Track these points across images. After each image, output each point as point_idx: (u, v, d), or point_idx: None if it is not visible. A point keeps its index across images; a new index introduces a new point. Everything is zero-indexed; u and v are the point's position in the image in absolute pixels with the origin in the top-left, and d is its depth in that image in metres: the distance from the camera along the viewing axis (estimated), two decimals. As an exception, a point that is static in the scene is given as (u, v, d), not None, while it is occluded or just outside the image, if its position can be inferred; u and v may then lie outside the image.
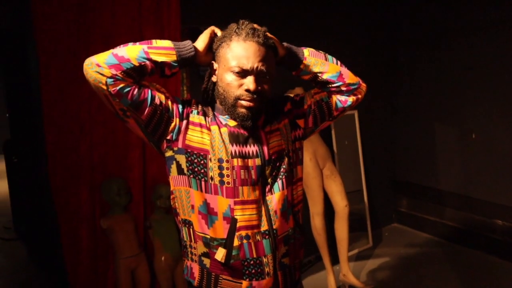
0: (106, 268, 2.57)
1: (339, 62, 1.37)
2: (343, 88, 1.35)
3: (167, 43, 1.20)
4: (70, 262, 2.46)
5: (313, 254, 3.42)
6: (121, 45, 1.17)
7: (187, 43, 1.23)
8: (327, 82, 1.35)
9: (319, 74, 1.33)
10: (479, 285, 3.06)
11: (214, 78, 1.28)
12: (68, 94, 2.36)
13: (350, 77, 1.35)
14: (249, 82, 1.19)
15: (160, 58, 1.17)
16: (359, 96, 1.39)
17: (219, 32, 1.27)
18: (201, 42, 1.26)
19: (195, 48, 1.23)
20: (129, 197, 2.55)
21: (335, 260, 3.17)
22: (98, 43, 2.38)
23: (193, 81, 2.79)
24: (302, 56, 1.32)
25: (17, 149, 4.08)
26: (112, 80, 1.12)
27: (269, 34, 1.26)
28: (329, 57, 1.36)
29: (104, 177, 2.50)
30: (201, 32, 1.29)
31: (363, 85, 1.40)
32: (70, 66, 2.33)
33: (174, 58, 1.19)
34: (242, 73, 1.19)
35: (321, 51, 1.36)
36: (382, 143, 4.20)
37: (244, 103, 1.20)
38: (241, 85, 1.20)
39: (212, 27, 1.29)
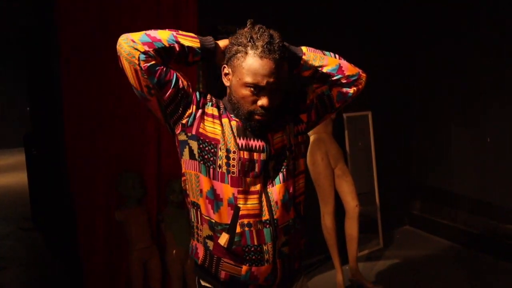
0: (120, 259, 2.64)
1: (337, 56, 1.41)
2: (343, 81, 1.40)
3: (191, 33, 1.29)
4: (85, 253, 2.54)
5: (323, 253, 3.44)
6: (152, 29, 1.26)
7: (209, 37, 1.31)
8: (327, 76, 1.39)
9: (319, 68, 1.37)
10: (490, 290, 3.05)
11: (226, 83, 1.32)
12: (87, 89, 2.44)
13: (349, 69, 1.40)
14: (265, 100, 1.24)
15: (187, 43, 1.26)
16: (360, 86, 1.43)
17: None
18: (222, 42, 1.33)
19: (216, 43, 1.31)
20: (144, 191, 2.62)
21: (344, 259, 3.18)
22: (117, 38, 2.44)
23: (209, 79, 2.84)
24: (301, 52, 1.36)
25: (37, 141, 4.20)
26: (144, 56, 1.20)
27: (283, 43, 1.27)
28: (327, 52, 1.41)
29: (120, 170, 2.58)
30: (217, 31, 1.34)
31: (363, 75, 1.43)
32: (90, 62, 2.41)
33: (198, 45, 1.27)
34: (257, 90, 1.24)
35: (318, 49, 1.40)
36: (396, 144, 4.18)
37: (257, 117, 1.27)
38: (255, 100, 1.25)
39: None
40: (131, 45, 1.19)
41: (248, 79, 1.22)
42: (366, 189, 3.73)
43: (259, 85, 1.22)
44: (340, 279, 3.05)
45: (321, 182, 3.01)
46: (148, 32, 1.23)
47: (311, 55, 1.37)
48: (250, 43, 1.22)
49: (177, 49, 1.24)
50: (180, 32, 1.27)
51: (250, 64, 1.22)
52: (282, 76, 1.25)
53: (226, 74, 1.31)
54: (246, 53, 1.23)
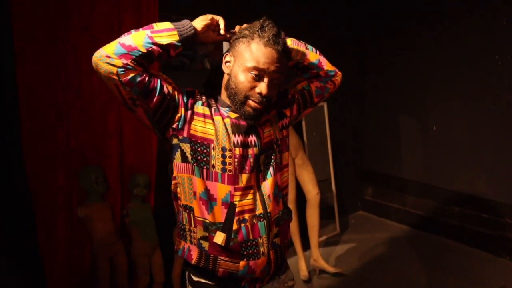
0: (82, 257, 2.55)
1: (317, 51, 1.48)
2: (322, 75, 1.48)
3: (167, 24, 1.23)
4: (45, 251, 2.43)
5: (284, 240, 3.51)
6: (125, 34, 1.19)
7: (185, 22, 1.25)
8: (308, 68, 1.46)
9: (301, 61, 1.43)
10: (438, 266, 3.28)
11: (226, 70, 1.32)
12: (45, 80, 2.31)
13: (328, 65, 1.49)
14: (263, 87, 1.25)
15: (164, 41, 1.20)
16: (336, 83, 1.53)
17: (221, 22, 1.30)
18: (200, 22, 1.27)
19: (194, 27, 1.25)
20: (107, 185, 2.55)
21: (305, 246, 3.29)
22: (77, 29, 2.34)
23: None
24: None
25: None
26: (123, 69, 1.14)
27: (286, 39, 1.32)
28: (309, 46, 1.48)
29: (81, 164, 2.48)
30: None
31: (339, 73, 1.54)
32: (48, 52, 2.28)
33: (177, 38, 1.22)
34: (258, 76, 1.25)
35: (301, 41, 1.46)
36: (349, 134, 4.36)
37: (252, 104, 1.27)
38: (253, 86, 1.26)
39: (213, 16, 1.30)
40: (107, 61, 1.13)
41: (251, 64, 1.24)
42: (322, 177, 3.85)
43: (261, 72, 1.24)
44: (303, 265, 3.15)
45: (283, 171, 3.08)
46: (122, 40, 1.16)
47: (294, 47, 1.41)
48: (258, 32, 1.25)
49: (156, 51, 1.19)
50: (155, 28, 1.20)
51: (254, 50, 1.24)
52: (282, 70, 1.28)
53: (227, 62, 1.31)
54: (252, 39, 1.25)
